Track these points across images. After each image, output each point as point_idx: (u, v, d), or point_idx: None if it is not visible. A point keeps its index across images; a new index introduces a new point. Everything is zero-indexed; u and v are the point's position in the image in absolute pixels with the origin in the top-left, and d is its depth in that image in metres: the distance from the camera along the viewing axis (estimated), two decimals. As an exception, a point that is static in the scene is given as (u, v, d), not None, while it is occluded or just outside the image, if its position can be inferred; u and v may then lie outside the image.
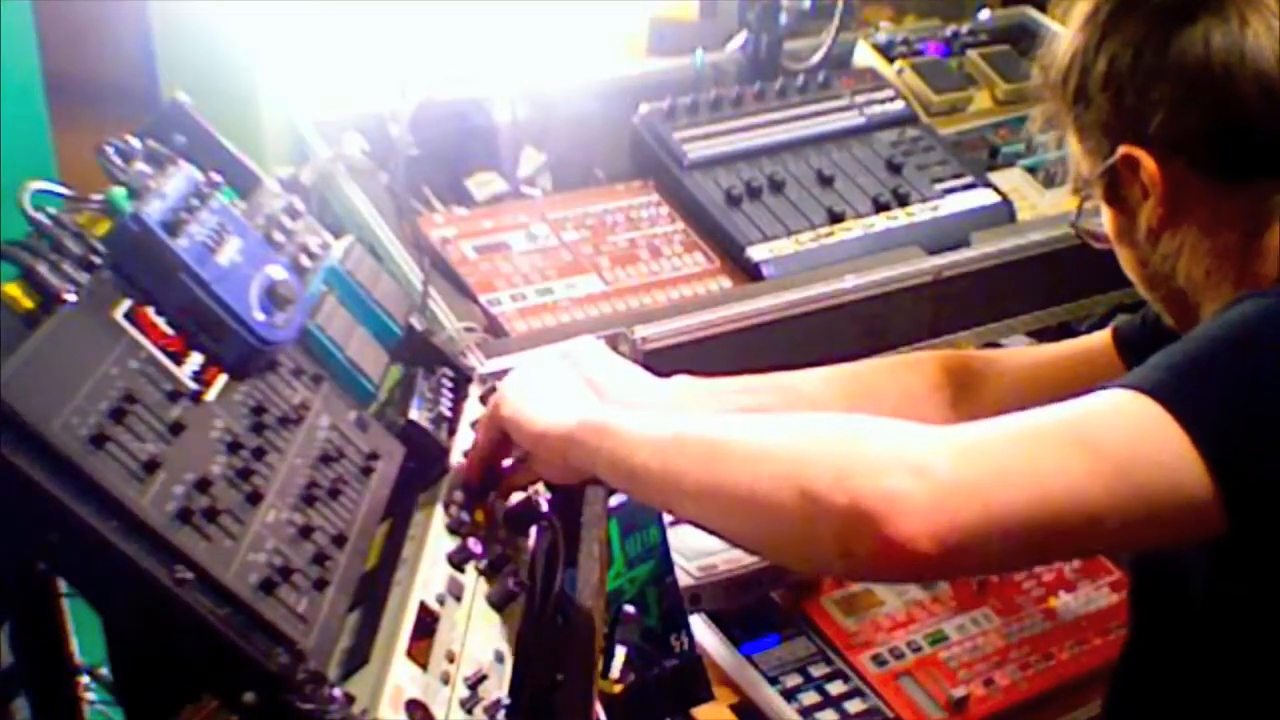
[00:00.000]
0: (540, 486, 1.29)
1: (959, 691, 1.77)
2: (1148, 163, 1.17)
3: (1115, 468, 0.96)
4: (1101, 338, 1.46)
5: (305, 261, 1.26)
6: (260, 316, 1.10)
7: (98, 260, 1.03)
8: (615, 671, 1.50)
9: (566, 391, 1.26)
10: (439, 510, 1.18)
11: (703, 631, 1.85)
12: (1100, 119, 1.22)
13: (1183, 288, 1.22)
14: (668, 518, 1.66)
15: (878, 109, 2.01)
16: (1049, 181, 2.01)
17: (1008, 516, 0.94)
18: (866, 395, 1.46)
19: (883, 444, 0.96)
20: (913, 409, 1.44)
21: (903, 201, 1.88)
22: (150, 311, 1.03)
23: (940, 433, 0.97)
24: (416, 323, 1.40)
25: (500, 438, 1.23)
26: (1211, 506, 0.97)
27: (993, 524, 0.93)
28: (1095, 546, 1.12)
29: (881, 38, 2.19)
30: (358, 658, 0.99)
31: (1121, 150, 1.19)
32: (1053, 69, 1.27)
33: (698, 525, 1.10)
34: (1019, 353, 1.55)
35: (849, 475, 0.93)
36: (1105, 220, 1.27)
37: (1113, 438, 0.98)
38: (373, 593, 1.06)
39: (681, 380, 1.40)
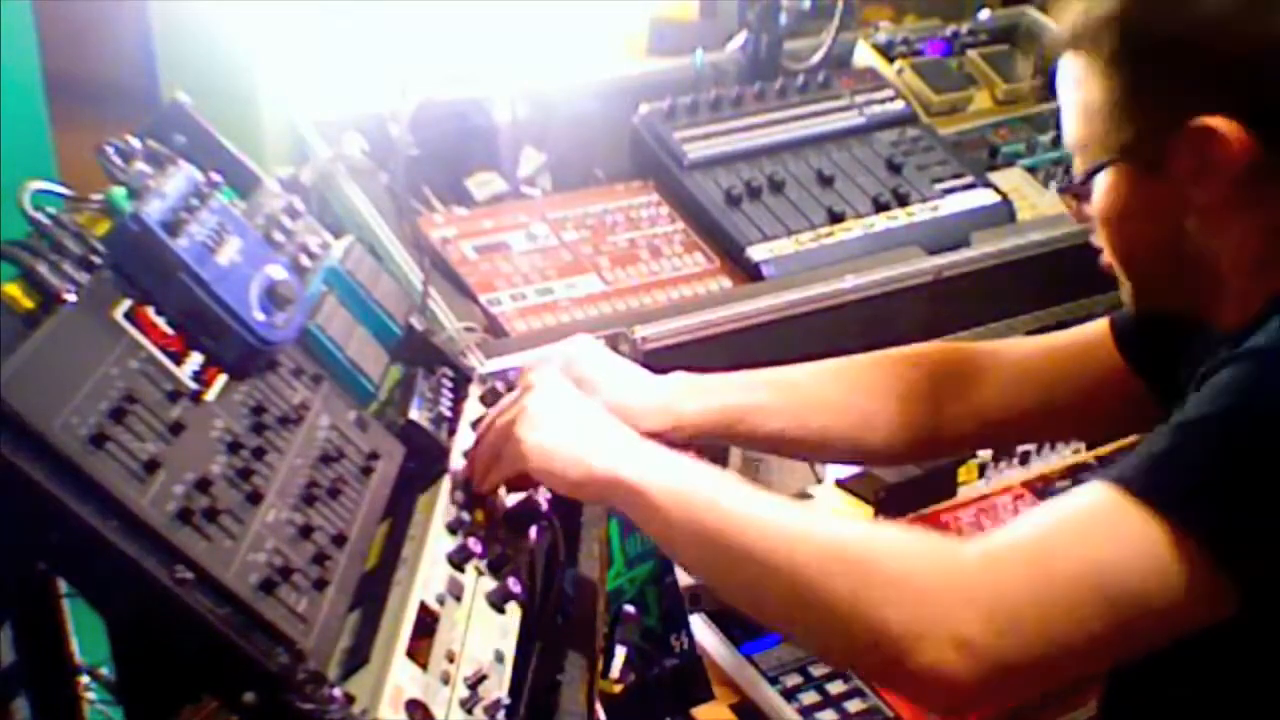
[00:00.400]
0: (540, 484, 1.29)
1: (959, 691, 1.77)
2: (1230, 136, 1.10)
3: (1136, 605, 1.02)
4: (1099, 328, 1.44)
5: (305, 261, 1.26)
6: (260, 316, 1.10)
7: (98, 260, 1.03)
8: (615, 671, 1.50)
9: (590, 432, 1.20)
10: (439, 510, 1.18)
11: (703, 631, 1.84)
12: (1163, 84, 1.14)
13: (1217, 269, 1.17)
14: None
15: (878, 109, 2.01)
16: (1049, 181, 2.01)
17: (1039, 675, 1.06)
18: (868, 391, 1.45)
19: (922, 602, 1.02)
20: (915, 403, 1.45)
21: (903, 201, 1.88)
22: (150, 311, 1.03)
23: (975, 589, 1.02)
24: (416, 323, 1.40)
25: (516, 477, 1.22)
26: (1231, 608, 1.03)
27: (1024, 682, 1.07)
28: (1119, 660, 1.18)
29: (881, 38, 2.19)
30: (358, 658, 0.99)
31: (1200, 121, 1.10)
32: (1091, 18, 1.17)
33: None
34: (1018, 344, 1.53)
35: (888, 641, 1.01)
36: (1113, 189, 1.19)
37: (1133, 582, 1.02)
38: (373, 593, 1.06)
39: (677, 377, 1.40)
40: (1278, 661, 1.13)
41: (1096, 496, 1.05)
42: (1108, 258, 1.24)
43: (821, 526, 1.09)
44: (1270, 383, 1.05)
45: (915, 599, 1.02)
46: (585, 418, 1.22)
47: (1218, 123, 1.10)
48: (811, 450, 1.59)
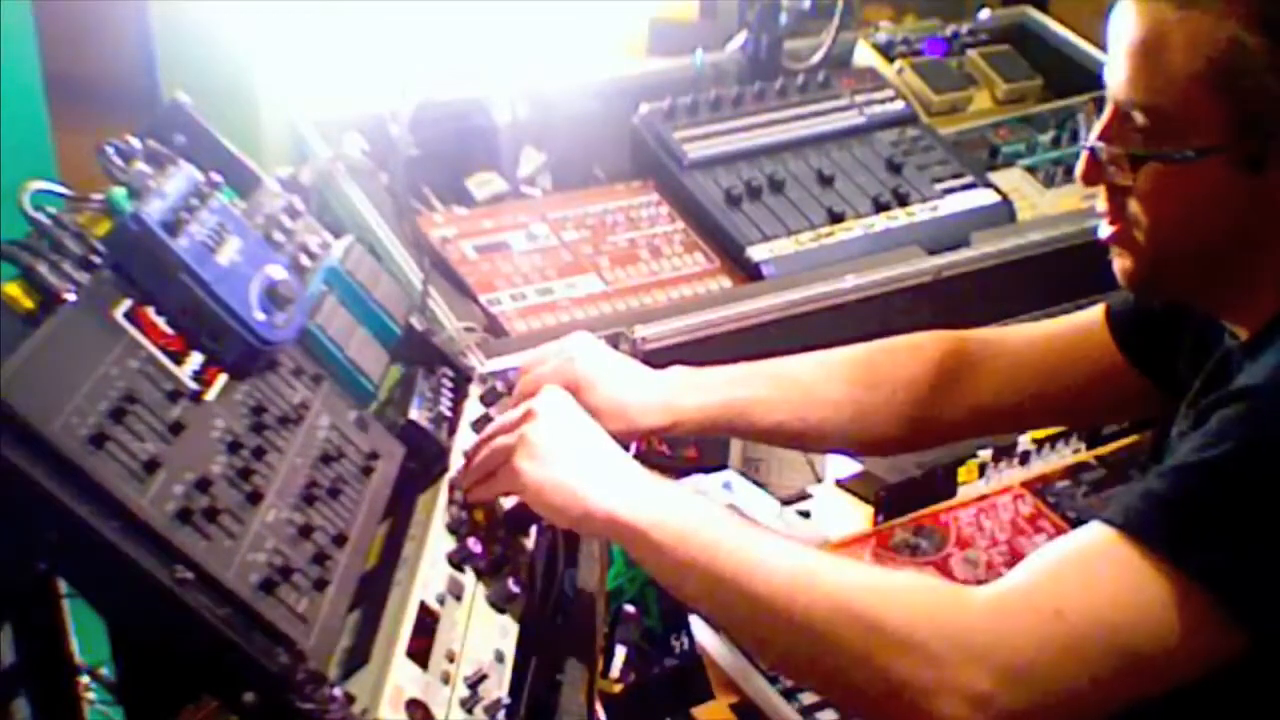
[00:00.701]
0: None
1: (959, 691, 1.77)
2: None
3: (1145, 658, 1.03)
4: (1093, 317, 1.42)
5: (305, 261, 1.26)
6: (260, 316, 1.10)
7: (98, 260, 1.03)
8: (615, 671, 1.50)
9: (588, 469, 1.17)
10: (439, 510, 1.18)
11: (703, 631, 1.84)
12: None
13: (1250, 274, 1.15)
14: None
15: (878, 109, 2.01)
16: (1049, 181, 2.01)
17: None
18: (866, 384, 1.45)
19: (932, 658, 1.02)
20: (913, 395, 1.45)
21: (903, 201, 1.88)
22: (150, 311, 1.03)
23: (986, 642, 1.02)
24: (416, 323, 1.40)
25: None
26: (1240, 650, 1.03)
27: None
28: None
29: (881, 38, 2.19)
30: (358, 658, 0.99)
31: None
32: None
33: None
34: (1013, 332, 1.50)
35: (901, 694, 1.02)
36: (1192, 174, 1.12)
37: (1141, 629, 1.02)
38: (373, 592, 1.06)
39: (676, 372, 1.40)
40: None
41: (1099, 540, 1.05)
42: (1123, 230, 1.18)
43: (826, 574, 1.07)
44: (1269, 426, 1.05)
45: (926, 655, 1.02)
46: (585, 451, 1.19)
47: None
48: (811, 442, 1.60)
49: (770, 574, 1.07)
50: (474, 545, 1.15)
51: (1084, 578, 1.04)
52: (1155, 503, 1.05)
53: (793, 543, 1.13)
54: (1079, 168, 1.21)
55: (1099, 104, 1.20)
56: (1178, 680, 1.07)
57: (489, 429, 1.25)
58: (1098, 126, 1.18)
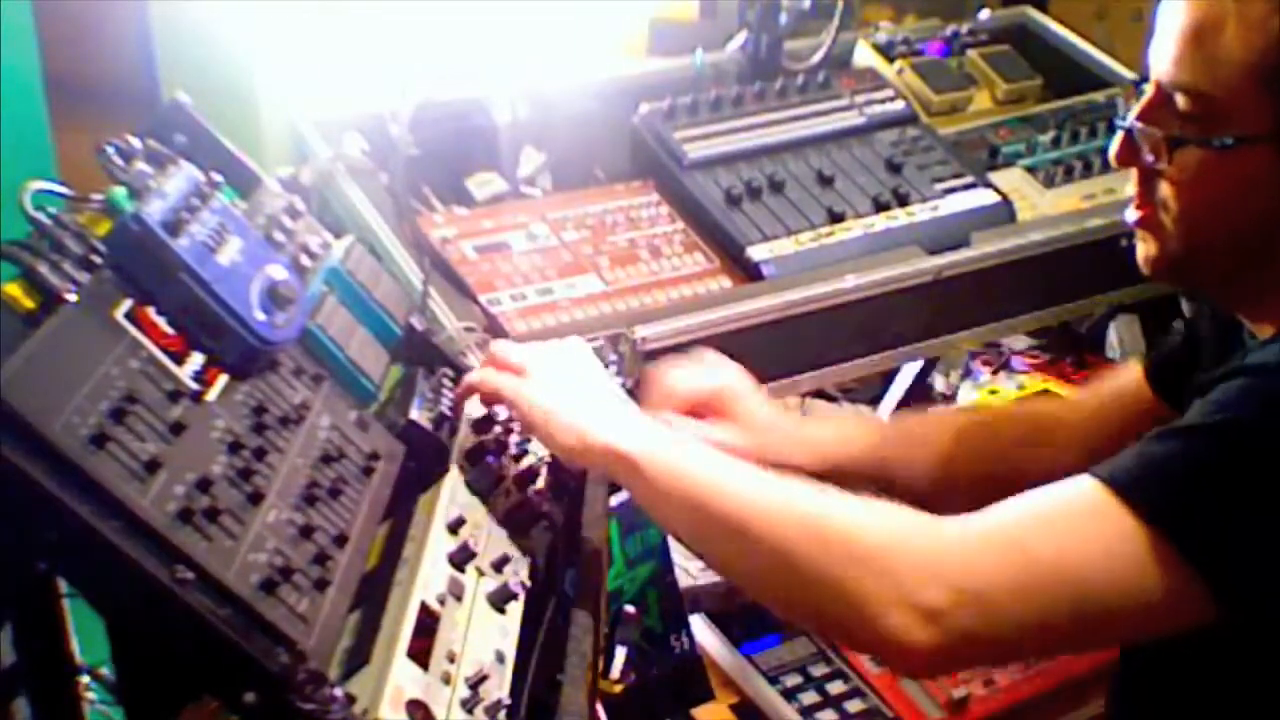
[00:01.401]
0: (540, 484, 1.29)
1: (959, 691, 1.77)
2: None
3: (1105, 604, 1.05)
4: (1133, 374, 1.46)
5: (306, 261, 1.26)
6: (261, 316, 1.10)
7: (98, 260, 1.03)
8: (615, 671, 1.50)
9: (592, 403, 1.23)
10: (440, 510, 1.18)
11: (703, 631, 1.85)
12: None
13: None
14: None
15: (878, 109, 2.01)
16: (1049, 181, 2.01)
17: (1000, 652, 1.15)
18: (967, 456, 1.50)
19: (893, 576, 1.06)
20: (996, 471, 1.47)
21: (903, 201, 1.87)
22: (151, 311, 1.03)
23: (945, 564, 1.06)
24: (417, 323, 1.40)
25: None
26: (1204, 605, 1.04)
27: (984, 657, 1.18)
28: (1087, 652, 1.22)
29: (881, 38, 2.19)
30: (358, 658, 0.99)
31: None
32: None
33: None
34: (1077, 407, 1.54)
35: (859, 607, 1.06)
36: (1242, 161, 1.12)
37: (1107, 579, 1.04)
38: (373, 593, 1.06)
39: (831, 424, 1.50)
40: (1274, 668, 1.14)
41: (1084, 490, 1.07)
42: (1151, 214, 1.18)
43: (806, 502, 1.13)
44: (1269, 400, 1.05)
45: (889, 571, 1.06)
46: (589, 388, 1.26)
47: None
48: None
49: (751, 501, 1.13)
50: (474, 545, 1.15)
51: (1059, 520, 1.07)
52: (1144, 461, 1.07)
53: (775, 476, 1.17)
54: (1113, 148, 1.20)
55: (1137, 86, 1.19)
56: (1137, 637, 1.12)
57: (505, 348, 1.30)
58: (1137, 107, 1.18)
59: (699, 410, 1.46)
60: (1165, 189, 1.16)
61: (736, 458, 1.20)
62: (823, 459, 1.45)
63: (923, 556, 1.07)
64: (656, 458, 1.17)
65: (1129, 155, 1.19)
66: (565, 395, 1.23)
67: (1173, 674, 1.24)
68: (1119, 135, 1.19)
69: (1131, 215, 1.21)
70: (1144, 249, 1.22)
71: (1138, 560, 1.03)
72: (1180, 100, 1.13)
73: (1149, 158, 1.17)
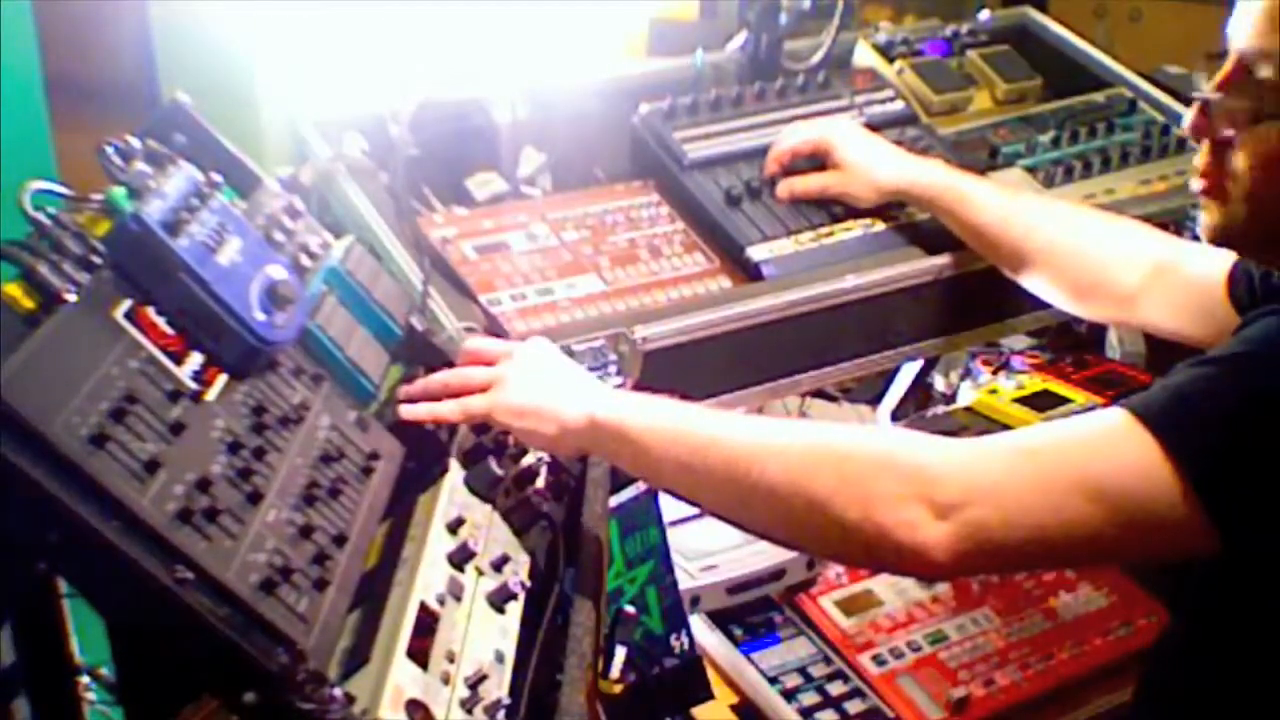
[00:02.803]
0: (540, 484, 1.29)
1: (959, 691, 1.77)
2: None
3: (1113, 509, 1.06)
4: (1222, 274, 1.45)
5: (305, 261, 1.26)
6: (260, 316, 1.10)
7: (98, 260, 1.03)
8: (615, 671, 1.50)
9: (563, 387, 1.26)
10: (439, 510, 1.18)
11: (703, 631, 1.84)
12: None
13: None
14: (667, 518, 1.66)
15: (878, 109, 2.01)
16: (1049, 181, 2.01)
17: (1014, 552, 1.10)
18: (1078, 267, 1.62)
19: (905, 474, 1.08)
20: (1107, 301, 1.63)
21: (903, 202, 1.87)
22: (150, 311, 1.03)
23: (958, 463, 1.08)
24: (416, 323, 1.40)
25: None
26: (1207, 535, 1.05)
27: (999, 556, 1.12)
28: (1095, 564, 1.21)
29: (881, 38, 2.18)
30: (358, 658, 0.99)
31: None
32: None
33: None
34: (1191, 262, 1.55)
35: (876, 509, 1.08)
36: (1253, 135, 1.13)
37: (1113, 481, 1.06)
38: (373, 593, 1.06)
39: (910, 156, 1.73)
40: None
41: (1109, 416, 1.09)
42: (1217, 184, 1.18)
43: (802, 433, 1.17)
44: None
45: (901, 466, 1.08)
46: (559, 377, 1.28)
47: None
48: (998, 259, 1.73)
49: (746, 441, 1.15)
50: (474, 545, 1.15)
51: (1082, 438, 1.09)
52: (1166, 390, 1.08)
53: (763, 418, 1.18)
54: (1188, 119, 1.20)
55: (1218, 60, 1.19)
56: (1145, 552, 1.13)
57: (466, 372, 1.31)
58: (1216, 78, 1.17)
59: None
60: (1239, 161, 1.16)
61: None
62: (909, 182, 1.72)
63: (936, 455, 1.09)
64: (641, 420, 1.19)
65: (1204, 127, 1.19)
66: (536, 390, 1.25)
67: (1198, 665, 1.24)
68: (1195, 106, 1.19)
69: (1196, 184, 1.21)
70: (1205, 218, 1.22)
71: (1150, 477, 1.04)
72: (1264, 70, 1.13)
73: (1226, 131, 1.16)
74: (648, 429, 1.19)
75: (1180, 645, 1.31)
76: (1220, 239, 1.22)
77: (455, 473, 1.25)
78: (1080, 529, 1.06)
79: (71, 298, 0.98)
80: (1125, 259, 1.60)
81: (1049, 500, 1.06)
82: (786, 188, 1.81)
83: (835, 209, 1.83)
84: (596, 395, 1.25)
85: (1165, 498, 1.04)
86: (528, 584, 1.18)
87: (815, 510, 1.11)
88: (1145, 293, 1.59)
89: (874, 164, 1.76)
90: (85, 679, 1.15)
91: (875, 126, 1.97)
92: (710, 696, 1.76)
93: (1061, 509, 1.06)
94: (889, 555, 1.10)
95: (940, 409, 2.22)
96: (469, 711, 1.01)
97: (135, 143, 1.16)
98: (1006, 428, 1.98)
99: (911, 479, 1.07)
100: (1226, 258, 1.43)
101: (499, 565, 1.17)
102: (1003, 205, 1.69)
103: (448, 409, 1.27)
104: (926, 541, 1.06)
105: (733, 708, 1.80)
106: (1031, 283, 1.71)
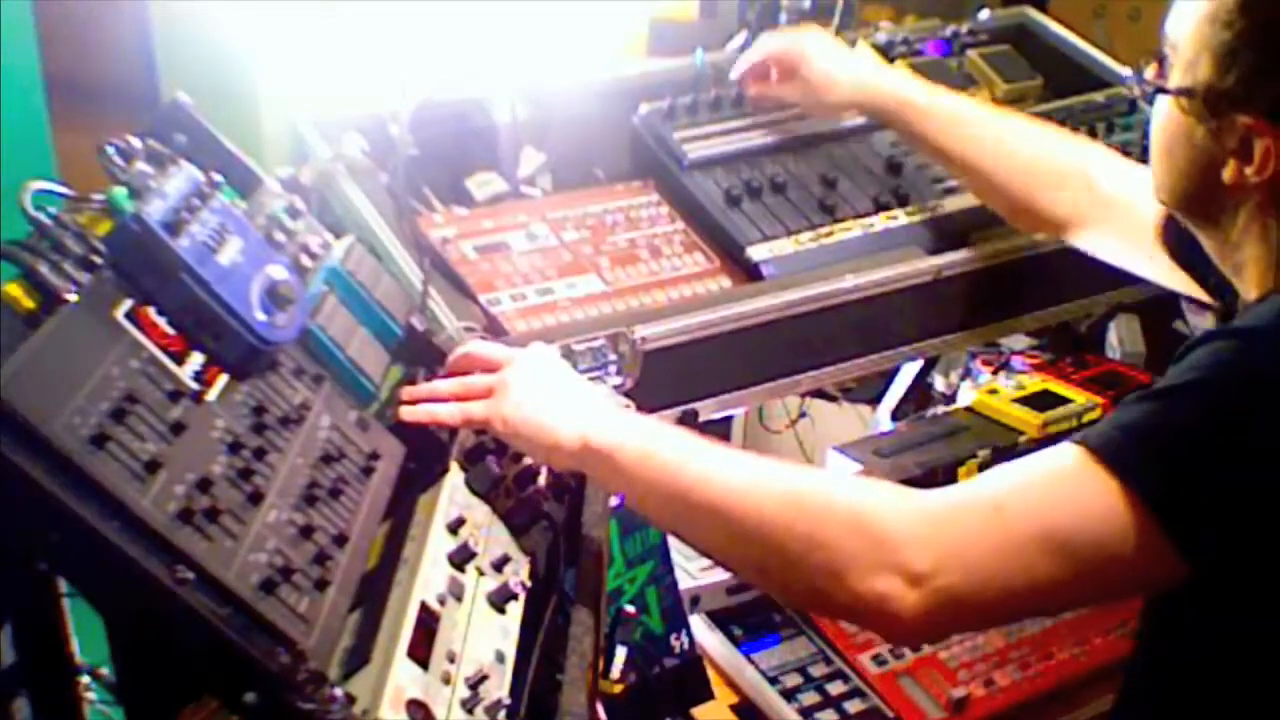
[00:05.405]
0: (540, 484, 1.29)
1: (959, 691, 1.77)
2: (1271, 147, 1.13)
3: (1081, 559, 1.06)
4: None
5: (306, 261, 1.26)
6: (261, 316, 1.10)
7: (99, 260, 1.03)
8: (615, 671, 1.50)
9: (561, 402, 1.26)
10: (440, 510, 1.18)
11: (703, 631, 1.84)
12: (1261, 62, 1.13)
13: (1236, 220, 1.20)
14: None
15: (878, 109, 2.01)
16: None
17: (985, 612, 1.13)
18: (1027, 183, 1.69)
19: (875, 539, 1.08)
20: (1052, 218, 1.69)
21: (903, 201, 1.87)
22: (151, 311, 1.03)
23: (927, 528, 1.08)
24: (417, 323, 1.40)
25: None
26: (1175, 566, 1.05)
27: (971, 618, 1.16)
28: (1067, 611, 1.24)
29: (881, 38, 2.18)
30: (359, 658, 0.99)
31: (1253, 120, 1.13)
32: None
33: None
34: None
35: (847, 576, 1.08)
36: (1172, 114, 1.21)
37: (1078, 530, 1.06)
38: (373, 593, 1.06)
39: (875, 63, 1.82)
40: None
41: (1064, 455, 1.09)
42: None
43: (781, 477, 1.15)
44: (1240, 364, 1.08)
45: (871, 534, 1.08)
46: (559, 390, 1.27)
47: (1264, 131, 1.12)
48: (950, 167, 1.82)
49: (728, 479, 1.15)
50: (474, 545, 1.15)
51: (1040, 484, 1.09)
52: (1121, 424, 1.09)
53: (750, 455, 1.20)
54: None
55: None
56: (1116, 592, 1.16)
57: (469, 381, 1.31)
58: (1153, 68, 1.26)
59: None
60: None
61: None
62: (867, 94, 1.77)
63: (906, 522, 1.08)
64: (631, 447, 1.19)
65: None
66: (535, 403, 1.25)
67: (1178, 677, 1.24)
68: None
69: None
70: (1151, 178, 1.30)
71: (1114, 519, 1.05)
72: (1169, 54, 1.22)
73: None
74: (637, 459, 1.19)
75: (1148, 662, 1.31)
76: (1160, 200, 1.30)
77: (455, 473, 1.25)
78: (1049, 584, 1.07)
79: (72, 298, 0.98)
80: (1065, 192, 1.67)
81: (1019, 560, 1.06)
82: (755, 91, 1.86)
83: (835, 209, 1.83)
84: (592, 416, 1.24)
85: (1129, 536, 1.04)
86: (528, 584, 1.18)
87: (790, 570, 1.12)
88: (1080, 222, 1.66)
89: (830, 83, 1.79)
90: (85, 679, 1.14)
91: (875, 126, 1.98)
92: (710, 696, 1.76)
93: (1030, 567, 1.06)
94: (860, 618, 1.12)
95: (940, 409, 2.22)
96: (470, 711, 1.01)
97: (136, 143, 1.16)
98: (1007, 428, 1.99)
99: (882, 545, 1.07)
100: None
101: (499, 565, 1.17)
102: (951, 127, 1.73)
103: (447, 412, 1.27)
104: (899, 611, 1.06)
105: (733, 708, 1.80)
106: (982, 197, 1.81)
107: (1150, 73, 1.24)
